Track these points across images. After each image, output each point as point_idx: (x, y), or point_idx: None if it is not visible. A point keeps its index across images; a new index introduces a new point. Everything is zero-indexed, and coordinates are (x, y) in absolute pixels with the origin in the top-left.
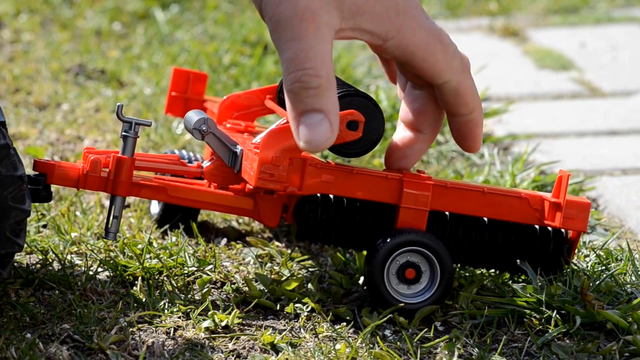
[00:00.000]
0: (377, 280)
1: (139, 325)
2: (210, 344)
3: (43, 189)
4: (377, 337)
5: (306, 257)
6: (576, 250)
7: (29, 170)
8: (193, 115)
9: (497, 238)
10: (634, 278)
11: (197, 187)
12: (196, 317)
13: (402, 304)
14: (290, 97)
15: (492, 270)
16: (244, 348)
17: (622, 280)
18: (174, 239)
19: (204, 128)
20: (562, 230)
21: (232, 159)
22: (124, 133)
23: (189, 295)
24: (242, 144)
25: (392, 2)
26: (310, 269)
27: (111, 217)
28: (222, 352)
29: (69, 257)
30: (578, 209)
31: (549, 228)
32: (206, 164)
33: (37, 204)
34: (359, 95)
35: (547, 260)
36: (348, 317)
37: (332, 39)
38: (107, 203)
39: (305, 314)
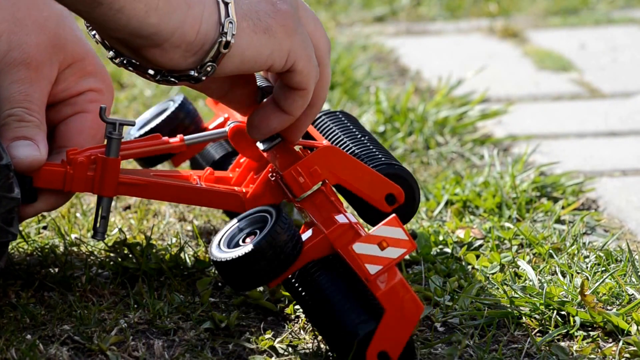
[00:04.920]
0: None
1: (139, 327)
2: (210, 345)
3: (29, 190)
4: None
5: None
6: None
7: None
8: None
9: None
10: (633, 279)
11: (185, 184)
12: (196, 318)
13: None
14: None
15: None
16: (244, 349)
17: (622, 281)
18: (174, 239)
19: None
20: None
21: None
22: (108, 134)
23: (189, 296)
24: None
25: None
26: None
27: (99, 217)
28: (222, 354)
29: (69, 258)
30: None
31: None
32: (230, 123)
33: None
34: (408, 176)
35: None
36: None
37: (48, 87)
38: None
39: None
